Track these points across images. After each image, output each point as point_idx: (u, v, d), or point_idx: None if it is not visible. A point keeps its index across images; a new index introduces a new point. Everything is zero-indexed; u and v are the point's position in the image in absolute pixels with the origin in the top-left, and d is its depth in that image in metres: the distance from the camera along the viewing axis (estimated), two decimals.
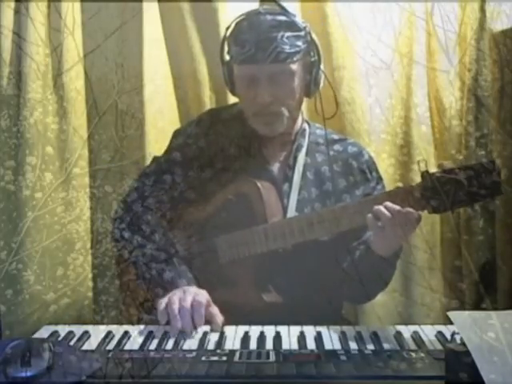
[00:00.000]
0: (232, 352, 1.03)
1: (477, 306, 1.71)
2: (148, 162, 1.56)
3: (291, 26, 1.28)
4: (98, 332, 1.17)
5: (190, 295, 1.22)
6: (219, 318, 1.22)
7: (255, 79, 1.30)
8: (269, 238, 1.31)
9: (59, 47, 1.67)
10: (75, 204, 1.71)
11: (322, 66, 1.36)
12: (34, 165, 1.65)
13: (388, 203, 1.17)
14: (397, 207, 1.16)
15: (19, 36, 1.63)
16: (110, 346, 1.10)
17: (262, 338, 1.12)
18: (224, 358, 1.00)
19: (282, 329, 1.16)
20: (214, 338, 1.13)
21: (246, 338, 1.12)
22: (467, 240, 1.74)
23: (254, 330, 1.15)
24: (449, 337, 1.08)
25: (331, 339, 1.11)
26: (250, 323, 1.19)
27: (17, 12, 1.63)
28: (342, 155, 1.43)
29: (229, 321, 1.22)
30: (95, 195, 1.75)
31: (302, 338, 1.11)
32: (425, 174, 1.18)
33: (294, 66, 1.30)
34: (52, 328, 1.20)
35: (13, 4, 1.63)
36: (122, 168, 1.74)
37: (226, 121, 1.44)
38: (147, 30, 1.69)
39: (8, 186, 1.64)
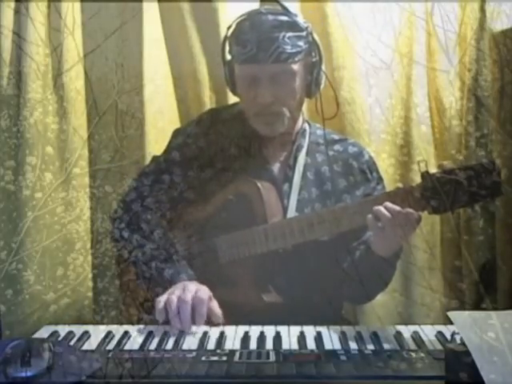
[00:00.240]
0: (232, 352, 1.03)
1: (477, 306, 1.71)
2: (148, 161, 1.56)
3: (293, 26, 1.28)
4: (97, 332, 1.17)
5: (189, 292, 1.21)
6: (218, 315, 1.22)
7: (256, 79, 1.30)
8: (269, 238, 1.31)
9: (59, 47, 1.66)
10: (75, 204, 1.71)
11: (323, 67, 1.36)
12: (34, 165, 1.64)
13: (388, 204, 1.17)
14: (397, 208, 1.16)
15: (19, 36, 1.63)
16: (110, 346, 1.10)
17: (261, 338, 1.12)
18: (224, 358, 1.00)
19: (282, 329, 1.16)
20: (213, 337, 1.13)
21: (246, 338, 1.12)
22: (467, 240, 1.74)
23: (254, 330, 1.15)
24: (449, 337, 1.08)
25: (331, 339, 1.11)
26: (250, 323, 1.19)
27: (17, 12, 1.63)
28: (343, 155, 1.43)
29: (229, 321, 1.22)
30: (95, 195, 1.74)
31: (301, 338, 1.11)
32: (425, 175, 1.18)
33: (296, 67, 1.30)
34: (52, 328, 1.20)
35: (13, 4, 1.63)
36: (122, 168, 1.74)
37: (227, 121, 1.44)
38: (147, 30, 1.69)
39: (8, 186, 1.64)
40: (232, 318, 1.23)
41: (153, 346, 1.11)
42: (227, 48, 1.37)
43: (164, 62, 1.75)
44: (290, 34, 1.27)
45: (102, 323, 1.66)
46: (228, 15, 1.66)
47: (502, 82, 1.71)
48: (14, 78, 1.64)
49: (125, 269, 1.39)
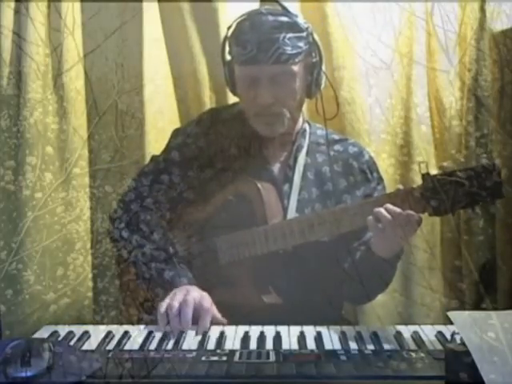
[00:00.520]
0: (232, 352, 1.03)
1: (477, 306, 1.71)
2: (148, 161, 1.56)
3: (293, 26, 1.28)
4: (97, 332, 1.17)
5: (192, 299, 1.20)
6: (220, 319, 1.22)
7: (256, 80, 1.30)
8: (269, 239, 1.31)
9: (59, 47, 1.66)
10: (75, 204, 1.71)
11: (323, 67, 1.36)
12: (34, 165, 1.64)
13: (389, 205, 1.17)
14: (397, 209, 1.16)
15: (19, 36, 1.63)
16: (110, 346, 1.11)
17: (261, 338, 1.12)
18: (224, 358, 1.01)
19: (282, 329, 1.16)
20: (213, 337, 1.13)
21: (246, 337, 1.12)
22: (467, 240, 1.74)
23: (254, 330, 1.16)
24: (449, 337, 1.08)
25: (331, 339, 1.11)
26: (250, 324, 1.19)
27: (17, 12, 1.63)
28: (343, 155, 1.43)
29: (228, 321, 1.22)
30: (95, 195, 1.74)
31: (302, 338, 1.11)
32: (425, 176, 1.18)
33: (296, 67, 1.30)
34: (52, 328, 1.20)
35: (13, 4, 1.63)
36: (122, 168, 1.74)
37: (227, 121, 1.44)
38: (147, 30, 1.69)
39: (8, 186, 1.64)
40: (232, 318, 1.23)
41: (153, 346, 1.11)
42: (227, 48, 1.37)
43: (164, 61, 1.75)
44: (290, 34, 1.27)
45: (102, 323, 1.66)
46: (228, 15, 1.66)
47: (502, 82, 1.71)
48: (14, 78, 1.64)
49: (125, 269, 1.39)
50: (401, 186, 1.26)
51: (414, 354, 1.02)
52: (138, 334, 1.16)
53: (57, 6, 1.65)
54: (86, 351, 1.06)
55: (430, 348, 1.06)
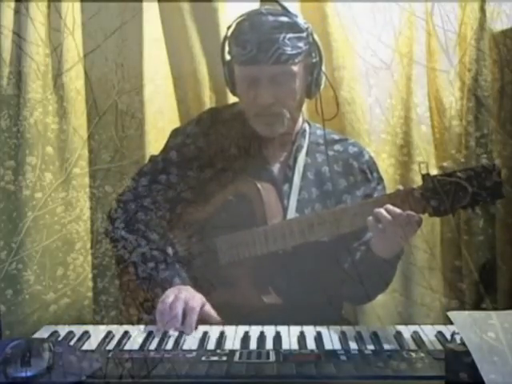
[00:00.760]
0: (232, 352, 1.03)
1: (477, 306, 1.71)
2: None
3: (293, 27, 1.28)
4: (98, 332, 1.17)
5: (180, 301, 1.21)
6: (215, 318, 1.22)
7: (256, 80, 1.30)
8: (269, 239, 1.31)
9: (59, 47, 1.66)
10: (75, 204, 1.71)
11: (323, 67, 1.36)
12: (34, 165, 1.65)
13: (389, 206, 1.17)
14: (397, 210, 1.16)
15: (19, 36, 1.63)
16: (110, 346, 1.11)
17: (261, 337, 1.12)
18: (224, 358, 1.01)
19: (282, 329, 1.16)
20: (213, 337, 1.13)
21: (246, 337, 1.12)
22: (467, 240, 1.74)
23: (254, 330, 1.16)
24: (449, 337, 1.08)
25: (331, 339, 1.11)
26: (250, 324, 1.19)
27: (17, 12, 1.63)
28: (343, 155, 1.43)
29: (228, 321, 1.22)
30: (95, 195, 1.74)
31: (302, 338, 1.11)
32: (426, 177, 1.18)
33: (296, 68, 1.30)
34: (52, 328, 1.20)
35: (13, 4, 1.63)
36: (122, 168, 1.74)
37: (227, 120, 1.43)
38: (147, 30, 1.69)
39: (8, 186, 1.64)
40: (231, 318, 1.23)
41: (153, 346, 1.11)
42: (227, 48, 1.37)
43: (164, 61, 1.75)
44: (290, 35, 1.27)
45: (102, 323, 1.66)
46: (228, 15, 1.66)
47: (502, 82, 1.71)
48: (14, 78, 1.64)
49: (124, 269, 1.39)
50: (401, 187, 1.26)
51: (413, 354, 1.02)
52: (137, 333, 1.16)
53: (57, 6, 1.66)
54: (86, 351, 1.06)
55: (430, 348, 1.06)
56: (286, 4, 1.33)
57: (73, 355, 0.99)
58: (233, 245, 1.35)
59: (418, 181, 1.22)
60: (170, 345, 1.11)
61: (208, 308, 1.25)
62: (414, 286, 1.77)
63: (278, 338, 1.11)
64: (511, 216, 1.71)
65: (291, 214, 1.36)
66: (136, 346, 1.10)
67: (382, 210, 1.16)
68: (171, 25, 1.74)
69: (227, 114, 1.45)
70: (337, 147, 1.43)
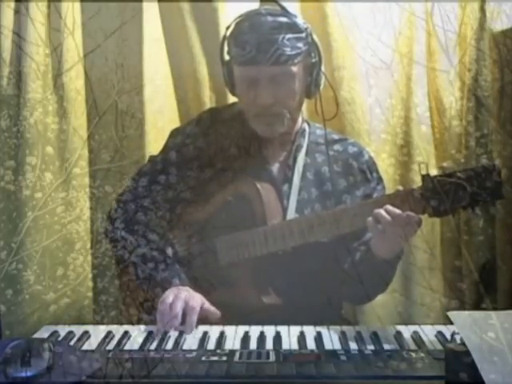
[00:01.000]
0: (232, 352, 1.03)
1: (477, 306, 1.71)
2: None
3: (292, 27, 1.28)
4: (98, 332, 1.17)
5: (180, 301, 1.21)
6: (216, 314, 1.23)
7: (256, 81, 1.30)
8: (268, 239, 1.31)
9: (59, 47, 1.66)
10: (75, 204, 1.71)
11: (322, 67, 1.36)
12: (34, 165, 1.64)
13: (388, 206, 1.17)
14: (397, 211, 1.16)
15: (19, 36, 1.63)
16: (110, 346, 1.11)
17: (261, 337, 1.12)
18: (224, 358, 1.01)
19: (282, 329, 1.16)
20: (213, 337, 1.13)
21: (246, 338, 1.12)
22: (467, 240, 1.74)
23: (254, 330, 1.16)
24: (449, 337, 1.09)
25: (331, 339, 1.11)
26: (250, 324, 1.19)
27: (17, 12, 1.63)
28: (342, 155, 1.43)
29: (228, 321, 1.22)
30: (95, 195, 1.74)
31: (302, 337, 1.11)
32: (425, 177, 1.18)
33: (295, 68, 1.29)
34: (52, 328, 1.21)
35: (13, 4, 1.63)
36: (122, 168, 1.74)
37: (226, 120, 1.43)
38: (147, 30, 1.69)
39: (8, 186, 1.64)
40: (231, 319, 1.23)
41: (153, 346, 1.11)
42: (226, 48, 1.37)
43: (164, 61, 1.75)
44: (289, 35, 1.27)
45: (102, 323, 1.66)
46: (228, 15, 1.65)
47: (502, 82, 1.71)
48: (14, 78, 1.64)
49: (124, 269, 1.39)
50: (400, 187, 1.26)
51: (413, 354, 1.02)
52: (137, 333, 1.16)
53: (57, 6, 1.65)
54: (86, 351, 1.06)
55: (430, 348, 1.06)
56: (285, 4, 1.33)
57: (73, 355, 0.99)
58: (232, 245, 1.35)
59: (417, 181, 1.22)
60: (170, 345, 1.11)
61: (208, 306, 1.25)
62: (414, 286, 1.77)
63: (277, 338, 1.11)
64: (511, 216, 1.71)
65: (291, 214, 1.36)
66: (136, 346, 1.10)
67: (382, 211, 1.16)
68: (171, 25, 1.74)
69: (227, 114, 1.45)
70: (336, 147, 1.43)
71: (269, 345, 1.09)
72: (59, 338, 1.15)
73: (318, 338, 1.11)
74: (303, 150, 1.42)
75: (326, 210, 1.34)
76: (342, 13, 1.72)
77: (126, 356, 1.03)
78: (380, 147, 1.75)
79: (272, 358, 1.01)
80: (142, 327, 1.20)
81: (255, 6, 1.59)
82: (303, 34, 1.29)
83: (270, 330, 1.15)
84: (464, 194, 1.15)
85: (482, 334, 0.90)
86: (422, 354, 1.01)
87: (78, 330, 1.19)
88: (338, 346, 1.08)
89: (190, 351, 1.06)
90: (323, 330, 1.16)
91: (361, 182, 1.41)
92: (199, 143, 1.41)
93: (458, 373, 0.87)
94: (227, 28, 1.34)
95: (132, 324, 1.24)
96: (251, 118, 1.35)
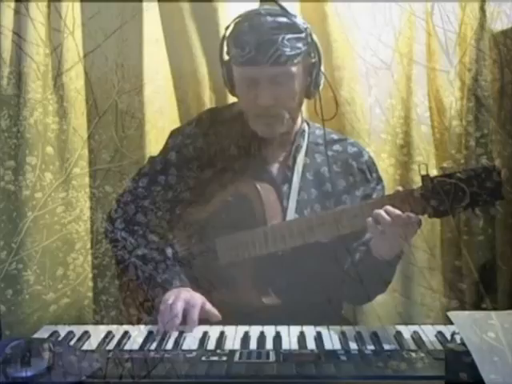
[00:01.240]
0: (232, 352, 1.03)
1: (477, 306, 1.71)
2: None
3: (292, 27, 1.27)
4: (98, 332, 1.17)
5: (181, 302, 1.21)
6: (216, 317, 1.23)
7: (255, 81, 1.29)
8: (268, 240, 1.30)
9: (59, 47, 1.66)
10: (75, 204, 1.71)
11: (322, 67, 1.36)
12: (34, 165, 1.64)
13: (388, 207, 1.17)
14: (397, 211, 1.15)
15: (19, 36, 1.63)
16: (110, 346, 1.11)
17: (261, 337, 1.12)
18: (224, 358, 1.00)
19: (282, 329, 1.16)
20: (213, 337, 1.13)
21: (246, 337, 1.12)
22: (467, 240, 1.74)
23: (254, 330, 1.16)
24: (449, 337, 1.09)
25: (331, 339, 1.11)
26: (250, 324, 1.19)
27: (17, 12, 1.63)
28: (342, 155, 1.42)
29: (228, 321, 1.22)
30: (95, 195, 1.74)
31: (302, 337, 1.11)
32: (425, 178, 1.18)
33: (295, 68, 1.29)
34: (52, 328, 1.20)
35: (13, 4, 1.63)
36: (122, 168, 1.74)
37: (226, 121, 1.43)
38: (147, 30, 1.69)
39: (8, 186, 1.64)
40: (231, 319, 1.22)
41: (153, 346, 1.11)
42: (225, 48, 1.37)
43: (164, 61, 1.75)
44: (289, 35, 1.26)
45: (102, 323, 1.66)
46: (228, 15, 1.65)
47: (502, 82, 1.71)
48: (14, 78, 1.64)
49: (124, 269, 1.39)
50: (400, 188, 1.26)
51: (413, 354, 1.02)
52: (137, 333, 1.16)
53: (57, 6, 1.65)
54: (86, 351, 1.06)
55: (430, 348, 1.06)
56: (285, 4, 1.32)
57: (73, 355, 0.99)
58: (232, 245, 1.35)
59: (417, 181, 1.22)
60: (170, 345, 1.11)
61: (208, 306, 1.25)
62: (414, 286, 1.77)
63: (277, 338, 1.11)
64: (511, 216, 1.71)
65: (291, 214, 1.36)
66: (136, 346, 1.10)
67: (382, 212, 1.16)
68: (171, 25, 1.74)
69: (227, 115, 1.45)
70: (336, 147, 1.43)
71: (269, 345, 1.09)
72: (59, 338, 1.15)
73: (318, 338, 1.11)
74: (303, 151, 1.42)
75: (325, 211, 1.34)
76: (341, 13, 1.72)
77: (126, 356, 1.02)
78: (380, 147, 1.75)
79: (272, 357, 1.00)
80: (142, 327, 1.20)
81: (255, 6, 1.59)
82: (303, 34, 1.29)
83: (269, 330, 1.15)
84: (464, 194, 1.14)
85: (482, 334, 0.90)
86: (422, 354, 1.01)
87: (78, 329, 1.19)
88: (338, 345, 1.08)
89: (190, 351, 1.05)
90: (323, 330, 1.16)
91: (360, 182, 1.41)
92: (199, 143, 1.41)
93: (457, 373, 0.87)
94: (226, 28, 1.34)
95: (132, 324, 1.24)
96: (251, 118, 1.35)
